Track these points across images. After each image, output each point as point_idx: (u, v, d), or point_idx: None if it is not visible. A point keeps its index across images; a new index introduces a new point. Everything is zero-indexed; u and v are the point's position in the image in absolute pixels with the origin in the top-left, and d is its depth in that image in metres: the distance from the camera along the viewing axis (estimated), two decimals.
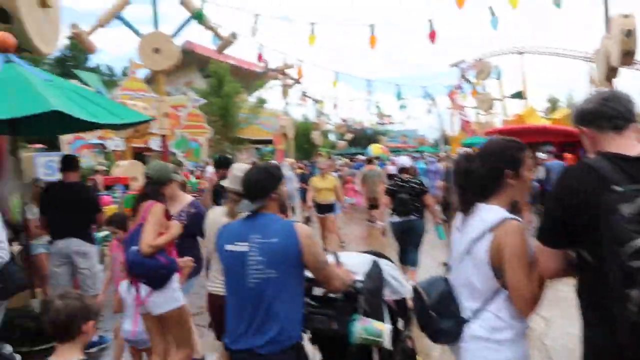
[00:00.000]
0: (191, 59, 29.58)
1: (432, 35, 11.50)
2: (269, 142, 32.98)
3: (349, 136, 42.38)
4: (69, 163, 4.91)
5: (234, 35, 12.45)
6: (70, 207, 3.33)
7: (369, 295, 2.58)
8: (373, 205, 11.07)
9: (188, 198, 4.10)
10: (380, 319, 2.57)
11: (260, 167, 2.50)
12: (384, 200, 6.50)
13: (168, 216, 3.43)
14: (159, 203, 3.37)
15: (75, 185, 3.32)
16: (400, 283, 2.87)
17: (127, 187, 11.07)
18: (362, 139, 49.26)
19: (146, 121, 5.11)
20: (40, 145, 16.66)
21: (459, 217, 2.16)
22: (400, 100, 18.68)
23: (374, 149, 29.60)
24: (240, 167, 3.06)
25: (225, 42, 12.56)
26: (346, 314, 2.51)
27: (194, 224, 3.78)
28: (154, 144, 21.06)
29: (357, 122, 48.37)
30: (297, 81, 23.72)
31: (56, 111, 3.44)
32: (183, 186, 5.21)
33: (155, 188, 3.49)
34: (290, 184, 12.17)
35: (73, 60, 38.74)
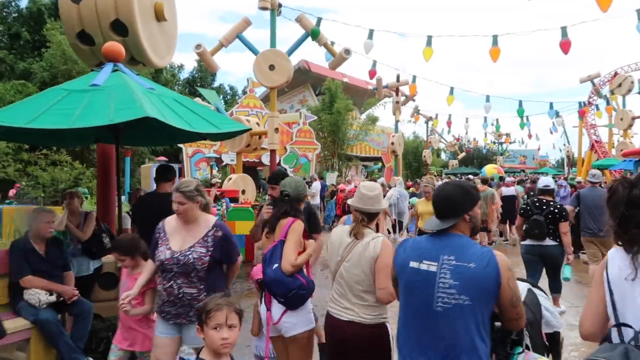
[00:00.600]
0: (306, 77, 30.44)
1: (565, 45, 10.33)
2: (377, 159, 32.71)
3: (461, 155, 40.43)
4: (164, 173, 4.81)
5: (347, 52, 12.36)
6: (159, 217, 3.25)
7: (529, 327, 2.35)
8: (482, 228, 10.64)
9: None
10: (542, 352, 2.38)
11: (456, 185, 2.31)
12: (517, 222, 6.23)
13: (305, 234, 3.30)
14: (299, 220, 3.26)
15: (166, 195, 3.24)
16: (553, 315, 2.65)
17: (235, 199, 11.40)
18: (476, 158, 46.95)
19: (244, 131, 4.96)
20: (163, 158, 18.03)
21: (618, 257, 1.81)
22: (521, 116, 17.09)
23: (488, 170, 27.97)
24: (367, 185, 2.97)
25: (339, 59, 12.51)
26: (506, 346, 2.24)
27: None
28: (266, 158, 21.87)
29: (471, 140, 46.29)
30: (411, 98, 23.11)
31: (156, 120, 3.37)
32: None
33: (295, 205, 3.37)
34: (403, 202, 11.82)
35: (200, 80, 42.03)
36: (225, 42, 12.62)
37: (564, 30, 10.28)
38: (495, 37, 10.83)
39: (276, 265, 3.09)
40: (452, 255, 2.09)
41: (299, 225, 3.22)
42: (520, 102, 16.61)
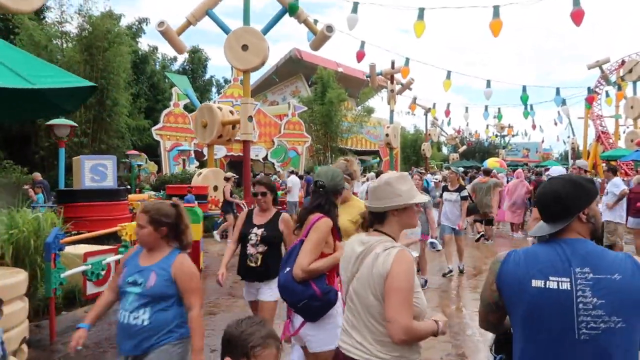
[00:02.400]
0: (299, 67, 29.05)
1: (578, 16, 8.93)
2: (375, 153, 31.34)
3: (462, 148, 38.98)
4: None
5: (329, 29, 10.99)
6: None
7: None
8: (486, 220, 10.47)
9: None
10: None
11: (565, 179, 1.89)
12: (534, 214, 5.91)
13: (335, 234, 2.89)
14: (327, 218, 2.85)
15: None
16: None
17: (203, 197, 10.09)
18: (478, 151, 45.55)
19: (83, 94, 3.74)
20: (135, 152, 16.69)
21: None
22: (525, 103, 15.55)
23: (490, 163, 26.90)
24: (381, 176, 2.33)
25: (320, 37, 11.15)
26: None
27: None
28: (253, 152, 20.56)
29: (472, 133, 44.87)
30: (407, 87, 21.70)
31: None
32: None
33: (331, 198, 2.96)
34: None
35: (192, 73, 40.80)
36: (192, 19, 11.27)
37: None
38: (496, 9, 9.43)
39: (288, 269, 2.77)
40: (586, 267, 1.72)
41: (325, 224, 2.82)
42: (524, 87, 15.07)
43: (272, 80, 30.15)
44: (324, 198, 2.95)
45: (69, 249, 4.68)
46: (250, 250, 3.48)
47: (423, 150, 29.67)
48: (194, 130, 12.12)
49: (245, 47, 10.88)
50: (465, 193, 7.58)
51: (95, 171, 7.30)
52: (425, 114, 31.26)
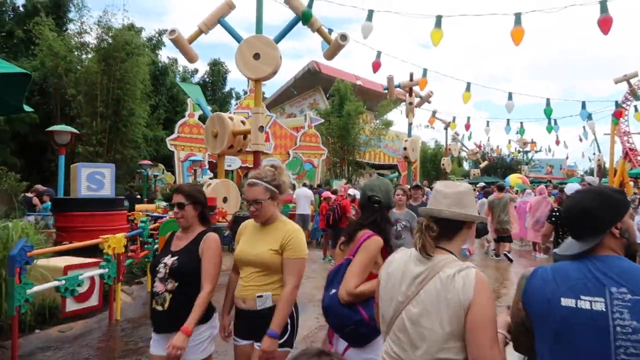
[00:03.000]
0: (317, 79, 28.89)
1: (605, 24, 8.43)
2: (393, 167, 30.81)
3: (484, 164, 38.11)
4: None
5: (343, 37, 10.66)
6: None
7: None
8: (501, 237, 10.47)
9: None
10: None
11: (593, 192, 1.71)
12: (545, 231, 6.10)
13: (385, 253, 2.55)
14: (377, 236, 2.60)
15: None
16: None
17: (211, 209, 9.79)
18: (499, 167, 44.54)
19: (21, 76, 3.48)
20: (148, 162, 16.57)
21: None
22: (548, 117, 14.85)
23: (512, 179, 26.20)
24: (446, 182, 1.97)
25: (334, 46, 10.82)
26: None
27: None
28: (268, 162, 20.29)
29: (494, 148, 43.92)
30: (426, 99, 21.22)
31: None
32: None
33: (385, 215, 2.75)
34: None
35: (212, 85, 41.15)
36: (204, 27, 11.10)
37: (603, 4, 8.38)
38: (518, 16, 8.98)
39: (334, 290, 2.53)
40: (622, 287, 1.53)
41: (375, 243, 2.56)
42: (548, 100, 14.42)
43: (290, 92, 30.04)
44: (379, 214, 2.72)
45: (46, 262, 4.36)
46: (158, 287, 2.63)
47: (443, 165, 29.06)
48: (205, 140, 11.86)
49: (257, 56, 10.62)
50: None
51: (92, 179, 7.04)
52: (446, 128, 30.69)
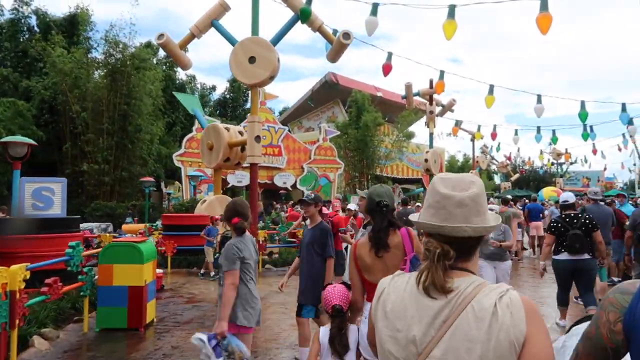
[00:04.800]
0: (335, 92, 27.92)
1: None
2: (417, 181, 29.36)
3: (515, 177, 36.13)
4: None
5: (346, 36, 9.62)
6: None
7: None
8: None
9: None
10: None
11: None
12: (547, 240, 6.25)
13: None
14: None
15: None
16: None
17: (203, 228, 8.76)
18: (532, 180, 42.34)
19: None
20: (149, 179, 15.80)
21: None
22: (584, 121, 13.26)
23: (546, 192, 24.55)
24: (448, 178, 1.45)
25: (337, 46, 9.78)
26: None
27: None
28: (279, 179, 19.29)
29: (525, 160, 41.86)
30: (449, 109, 19.92)
31: None
32: None
33: (393, 216, 2.99)
34: None
35: (232, 102, 40.80)
36: (196, 31, 10.27)
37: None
38: (544, 1, 7.74)
39: None
40: None
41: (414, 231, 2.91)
42: (583, 102, 12.83)
43: (307, 106, 29.15)
44: (390, 215, 2.97)
45: None
46: None
47: None
48: (200, 153, 10.94)
49: (252, 60, 9.69)
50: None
51: (39, 196, 6.12)
52: (472, 140, 29.18)
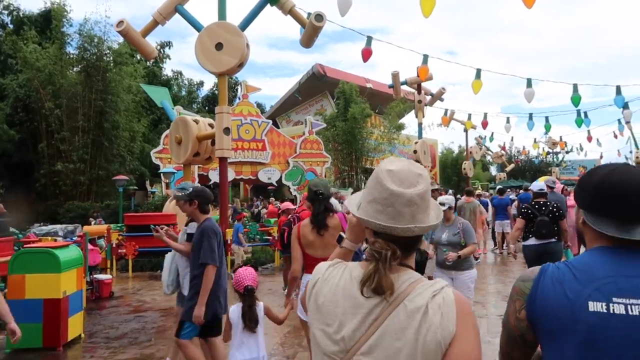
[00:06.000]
0: (323, 84, 27.25)
1: None
2: None
3: (510, 167, 35.56)
4: None
5: (319, 18, 8.97)
6: None
7: None
8: None
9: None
10: None
11: None
12: (517, 224, 6.50)
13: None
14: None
15: None
16: None
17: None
18: (527, 170, 41.78)
19: None
20: (123, 177, 15.13)
21: None
22: (576, 104, 12.58)
23: (542, 182, 23.73)
24: (398, 171, 1.41)
25: (310, 30, 9.14)
26: None
27: None
28: (263, 175, 18.64)
29: (520, 149, 41.29)
30: (438, 97, 19.31)
31: None
32: None
33: (328, 203, 3.43)
34: None
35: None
36: (159, 17, 9.60)
37: None
38: None
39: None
40: None
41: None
42: (575, 85, 12.20)
43: (296, 99, 28.46)
44: (326, 202, 3.42)
45: None
46: None
47: (464, 169, 26.92)
48: (169, 148, 10.30)
49: (219, 46, 9.05)
50: None
51: None
52: (465, 130, 28.62)
